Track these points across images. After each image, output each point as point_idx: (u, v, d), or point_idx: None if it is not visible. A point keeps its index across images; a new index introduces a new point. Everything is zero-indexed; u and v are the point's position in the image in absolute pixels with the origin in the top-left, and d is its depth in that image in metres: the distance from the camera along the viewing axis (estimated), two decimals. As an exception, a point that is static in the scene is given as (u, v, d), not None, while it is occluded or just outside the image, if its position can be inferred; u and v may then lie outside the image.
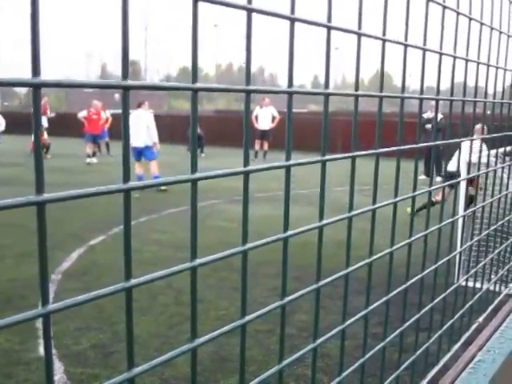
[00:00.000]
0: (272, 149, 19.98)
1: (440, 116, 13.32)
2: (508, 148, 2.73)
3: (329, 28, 0.74)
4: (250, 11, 0.60)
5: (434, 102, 1.41)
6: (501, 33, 1.76)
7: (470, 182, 4.46)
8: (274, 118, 20.81)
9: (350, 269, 0.79)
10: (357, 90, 0.79)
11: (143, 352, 4.30)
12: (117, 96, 17.28)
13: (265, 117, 20.95)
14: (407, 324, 1.13)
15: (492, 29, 1.67)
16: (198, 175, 0.54)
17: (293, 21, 0.67)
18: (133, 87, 0.49)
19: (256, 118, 21.00)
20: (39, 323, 5.17)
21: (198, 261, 0.55)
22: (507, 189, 2.75)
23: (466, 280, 1.58)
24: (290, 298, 0.70)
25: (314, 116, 28.95)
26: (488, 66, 1.72)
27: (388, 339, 1.03)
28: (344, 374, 0.86)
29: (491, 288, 1.99)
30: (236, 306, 5.20)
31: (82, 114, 21.12)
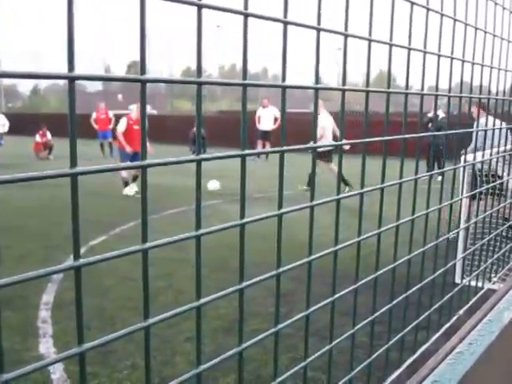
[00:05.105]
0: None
1: (442, 115, 13.30)
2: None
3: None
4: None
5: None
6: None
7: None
8: (276, 119, 20.79)
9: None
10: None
11: (143, 351, 4.34)
12: (120, 96, 17.17)
13: (266, 117, 20.96)
14: (377, 314, 1.16)
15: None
16: (147, 162, 0.58)
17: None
18: (79, 78, 0.52)
19: (258, 118, 21.05)
20: (40, 322, 5.22)
21: (148, 244, 0.59)
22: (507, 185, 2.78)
23: (444, 275, 1.61)
24: (248, 282, 0.73)
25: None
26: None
27: (357, 327, 1.06)
28: (309, 359, 0.89)
29: (473, 284, 2.01)
30: (234, 306, 5.20)
31: (93, 117, 21.28)
